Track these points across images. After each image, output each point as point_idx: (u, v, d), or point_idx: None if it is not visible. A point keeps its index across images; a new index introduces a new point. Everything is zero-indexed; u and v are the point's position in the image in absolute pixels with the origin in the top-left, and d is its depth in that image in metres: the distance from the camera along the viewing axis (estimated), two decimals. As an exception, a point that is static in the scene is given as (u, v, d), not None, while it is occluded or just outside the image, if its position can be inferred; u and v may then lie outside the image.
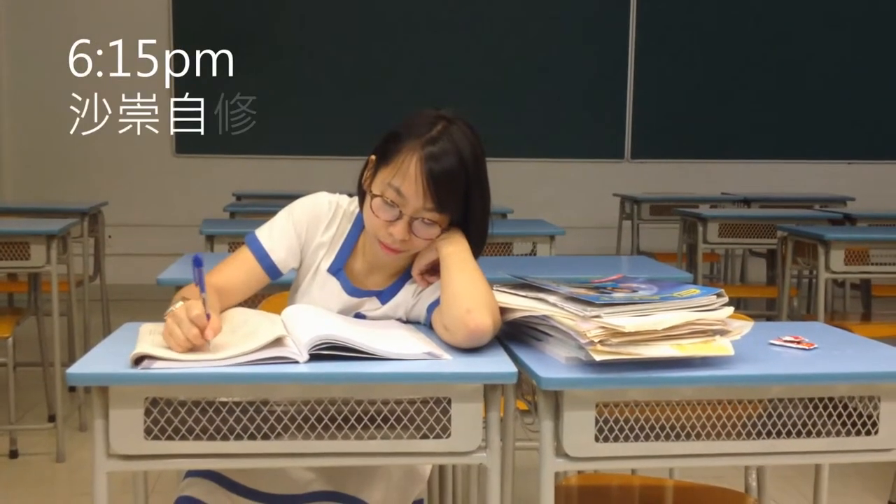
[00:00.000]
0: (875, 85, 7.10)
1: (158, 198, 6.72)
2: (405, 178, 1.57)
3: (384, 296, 1.72)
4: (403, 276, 1.73)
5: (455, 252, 1.61)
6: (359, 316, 1.73)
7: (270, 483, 1.66)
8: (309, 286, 1.74)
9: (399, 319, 1.73)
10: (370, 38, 6.68)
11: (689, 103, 7.01)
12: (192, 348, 1.40)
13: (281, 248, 1.70)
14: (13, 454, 3.43)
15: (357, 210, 1.73)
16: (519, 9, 6.86)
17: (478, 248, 1.67)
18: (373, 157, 1.66)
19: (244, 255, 1.70)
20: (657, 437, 1.42)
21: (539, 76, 6.87)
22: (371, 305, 1.73)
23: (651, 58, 6.95)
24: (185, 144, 6.72)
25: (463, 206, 1.61)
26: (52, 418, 3.62)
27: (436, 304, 1.64)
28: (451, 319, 1.53)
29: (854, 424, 1.46)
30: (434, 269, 1.65)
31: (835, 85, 7.06)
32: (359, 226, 1.72)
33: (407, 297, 1.72)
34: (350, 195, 1.78)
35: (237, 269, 1.68)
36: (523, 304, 1.56)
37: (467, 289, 1.55)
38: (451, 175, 1.57)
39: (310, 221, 1.72)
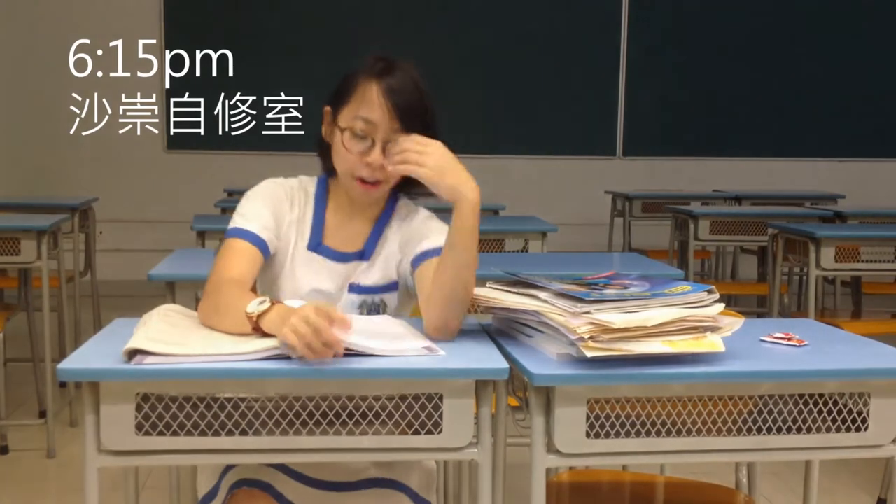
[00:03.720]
0: (867, 83, 7.12)
1: (149, 194, 6.71)
2: (370, 105, 1.64)
3: (366, 252, 1.75)
4: (377, 226, 1.76)
5: (462, 229, 1.56)
6: (353, 287, 1.74)
7: (324, 470, 1.68)
8: (292, 268, 1.74)
9: (396, 282, 1.75)
10: (367, 36, 6.66)
11: (681, 101, 7.02)
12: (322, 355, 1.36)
13: (262, 227, 1.71)
14: (3, 450, 3.42)
15: (315, 187, 1.78)
16: (512, 6, 6.86)
17: None
18: (327, 107, 1.71)
19: (237, 245, 1.69)
20: (648, 434, 1.43)
21: (531, 74, 6.87)
22: (360, 269, 1.74)
23: (643, 55, 6.96)
24: (177, 140, 6.70)
25: (425, 120, 1.67)
26: (42, 414, 3.61)
27: (420, 258, 1.68)
28: (428, 318, 1.59)
29: (844, 421, 1.47)
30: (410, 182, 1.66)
31: (826, 83, 7.08)
32: (322, 199, 1.77)
33: (393, 251, 1.75)
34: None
35: (240, 260, 1.67)
36: (514, 301, 1.56)
37: (454, 299, 1.57)
38: (410, 94, 1.66)
39: (274, 200, 1.75)
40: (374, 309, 1.75)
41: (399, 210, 1.79)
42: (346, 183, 1.71)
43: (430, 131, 1.65)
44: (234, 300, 1.51)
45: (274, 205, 1.74)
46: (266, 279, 1.78)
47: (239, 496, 1.63)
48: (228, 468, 1.68)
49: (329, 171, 1.77)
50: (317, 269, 1.74)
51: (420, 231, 1.73)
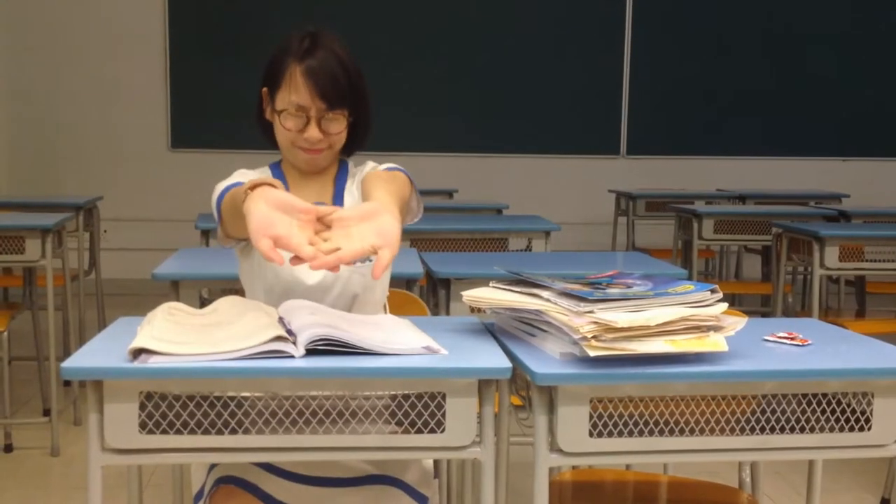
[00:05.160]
0: (870, 82, 7.11)
1: (154, 192, 6.72)
2: (298, 90, 1.73)
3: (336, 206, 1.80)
4: (338, 186, 1.86)
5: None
6: None
7: (318, 467, 1.68)
8: None
9: None
10: (370, 36, 6.67)
11: (685, 99, 7.02)
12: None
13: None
14: (8, 448, 3.43)
15: (270, 172, 1.87)
16: (514, 5, 6.85)
17: (365, 130, 1.84)
18: (264, 89, 1.81)
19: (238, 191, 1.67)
20: (651, 433, 1.43)
21: (535, 73, 6.87)
22: None
23: (647, 54, 6.96)
24: (181, 139, 6.72)
25: (351, 95, 1.76)
26: (46, 412, 3.62)
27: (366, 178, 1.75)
28: None
29: (847, 420, 1.47)
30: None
31: (830, 82, 7.07)
32: (279, 176, 1.85)
33: (357, 201, 1.83)
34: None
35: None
36: (517, 300, 1.56)
37: None
38: (332, 75, 1.73)
39: (247, 176, 1.80)
40: None
41: (351, 170, 1.90)
42: (290, 155, 1.82)
43: (356, 105, 1.77)
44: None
45: (249, 177, 1.80)
46: (253, 254, 1.78)
47: (220, 493, 1.64)
48: (214, 465, 1.69)
49: (274, 146, 1.86)
50: None
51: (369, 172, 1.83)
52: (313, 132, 1.74)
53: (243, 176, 1.81)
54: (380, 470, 1.72)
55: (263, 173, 1.87)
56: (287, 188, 1.84)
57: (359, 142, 1.85)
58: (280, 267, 1.67)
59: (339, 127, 1.77)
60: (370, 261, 1.75)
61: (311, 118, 1.74)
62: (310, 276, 1.74)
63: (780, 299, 3.96)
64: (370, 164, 1.88)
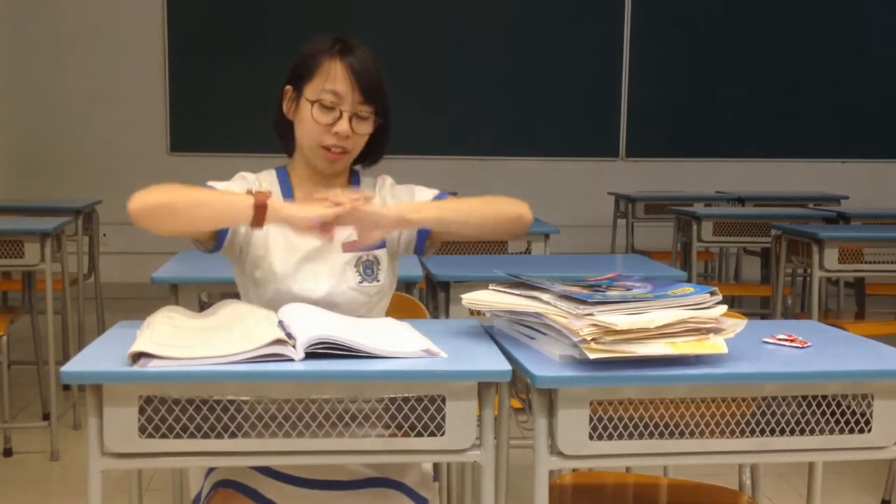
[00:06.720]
0: (870, 83, 7.11)
1: (153, 196, 6.70)
2: (336, 80, 1.75)
3: None
4: None
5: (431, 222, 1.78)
6: (346, 246, 1.75)
7: (318, 471, 1.68)
8: (283, 234, 1.75)
9: (384, 241, 1.81)
10: (367, 38, 6.66)
11: (684, 101, 7.02)
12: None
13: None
14: (7, 452, 3.42)
15: (274, 175, 1.86)
16: (513, 7, 6.86)
17: (386, 138, 1.85)
18: (288, 86, 1.80)
19: (226, 191, 1.74)
20: (651, 435, 1.43)
21: (533, 74, 6.87)
22: (345, 234, 1.75)
23: (645, 56, 6.96)
24: (180, 143, 6.72)
25: (379, 97, 1.79)
26: (46, 416, 3.61)
27: (427, 232, 1.82)
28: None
29: (847, 422, 1.47)
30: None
31: (829, 83, 7.08)
32: (286, 183, 1.84)
33: None
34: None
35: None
36: (517, 303, 1.56)
37: (496, 229, 1.87)
38: (370, 71, 1.77)
39: (241, 185, 1.79)
40: (369, 266, 1.82)
41: (365, 180, 1.89)
42: (311, 154, 1.79)
43: (384, 106, 1.79)
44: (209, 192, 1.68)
45: (249, 182, 1.81)
46: (254, 256, 1.78)
47: (218, 497, 1.64)
48: (212, 469, 1.69)
49: (289, 150, 1.85)
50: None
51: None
52: (344, 126, 1.74)
53: (243, 180, 1.80)
54: (380, 473, 1.72)
55: (269, 176, 1.85)
56: (293, 197, 1.82)
57: (380, 149, 1.85)
58: (282, 284, 1.75)
59: (366, 128, 1.78)
60: (378, 281, 1.79)
61: (344, 112, 1.74)
62: (314, 291, 1.75)
63: (780, 301, 3.96)
64: (389, 181, 1.88)
